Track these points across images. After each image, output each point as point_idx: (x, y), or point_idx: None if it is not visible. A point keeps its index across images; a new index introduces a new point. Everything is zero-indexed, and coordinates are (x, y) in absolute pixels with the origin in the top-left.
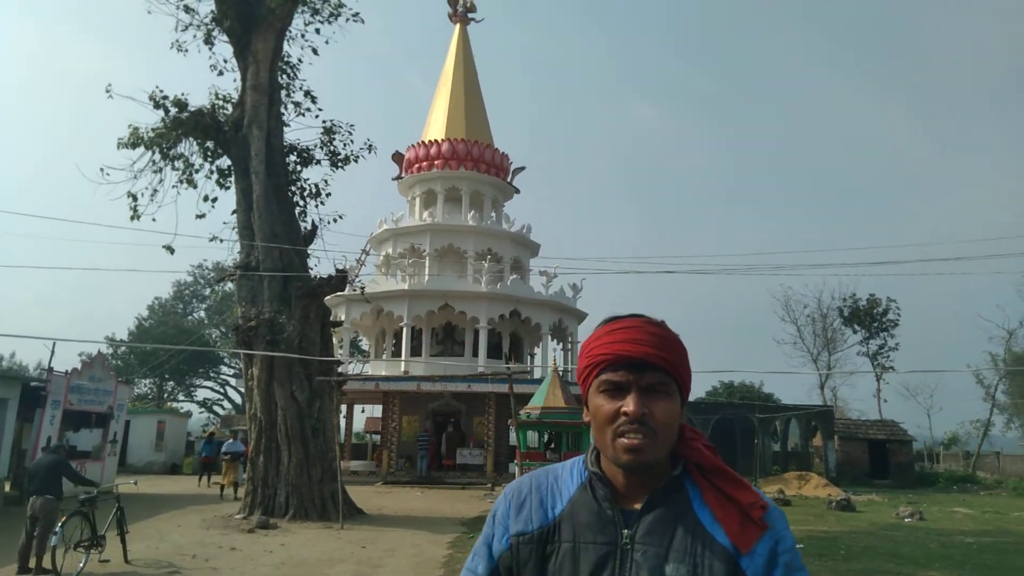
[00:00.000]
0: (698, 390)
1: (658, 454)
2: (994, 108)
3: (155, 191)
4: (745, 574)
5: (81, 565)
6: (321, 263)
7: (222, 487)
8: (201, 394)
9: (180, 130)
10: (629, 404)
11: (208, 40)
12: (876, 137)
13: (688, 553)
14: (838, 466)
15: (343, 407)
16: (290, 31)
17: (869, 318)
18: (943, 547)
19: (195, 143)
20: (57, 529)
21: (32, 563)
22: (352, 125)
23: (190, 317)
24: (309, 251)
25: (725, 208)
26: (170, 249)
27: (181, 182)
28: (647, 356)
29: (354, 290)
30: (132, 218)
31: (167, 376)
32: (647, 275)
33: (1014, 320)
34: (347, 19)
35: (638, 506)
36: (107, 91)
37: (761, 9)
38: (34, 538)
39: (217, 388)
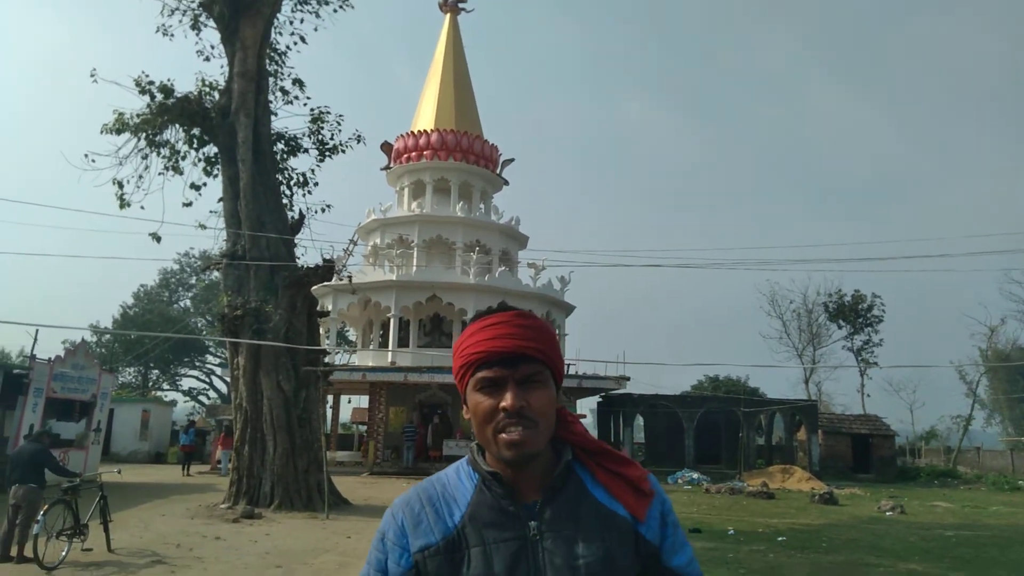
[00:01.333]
0: (684, 383)
1: (539, 444)
2: (976, 110)
3: (140, 178)
4: (644, 538)
5: (63, 554)
6: (308, 253)
7: None
8: (186, 383)
9: (166, 116)
10: (507, 399)
11: (195, 25)
12: (860, 136)
13: (596, 531)
14: (821, 460)
15: (329, 397)
16: (278, 18)
17: (854, 314)
18: (923, 540)
19: (181, 130)
20: (40, 517)
21: (14, 551)
22: (341, 115)
23: (175, 305)
24: (296, 240)
25: (713, 203)
26: (157, 237)
27: (167, 169)
28: (520, 349)
29: (341, 280)
30: (120, 207)
31: (152, 365)
32: (635, 268)
33: (996, 317)
34: (336, 8)
35: (534, 497)
36: (92, 76)
37: (748, 7)
38: (16, 526)
39: (202, 377)
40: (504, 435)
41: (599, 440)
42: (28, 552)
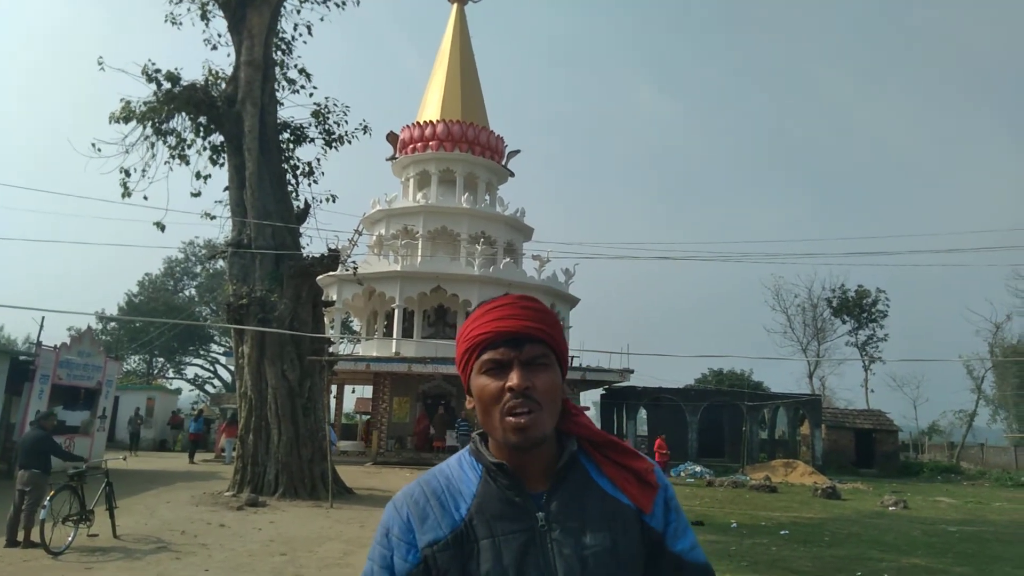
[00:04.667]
0: (687, 377)
1: (546, 428)
2: (984, 102)
3: (147, 166)
4: (649, 526)
5: (70, 539)
6: (313, 242)
7: None
8: (191, 372)
9: (172, 104)
10: (513, 378)
11: (204, 15)
12: (867, 129)
13: (602, 520)
14: (824, 454)
15: (333, 387)
16: (285, 6)
17: (858, 309)
18: (926, 535)
19: (188, 118)
20: (46, 503)
21: (21, 536)
22: (348, 106)
23: (180, 294)
24: (302, 230)
25: (719, 197)
26: (161, 226)
27: (173, 158)
28: (525, 329)
29: (346, 270)
30: (123, 195)
31: (157, 353)
32: (641, 261)
33: (1001, 314)
34: (339, 2)
35: (540, 487)
36: (99, 63)
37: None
38: (23, 511)
39: (207, 366)
40: (511, 418)
41: (604, 432)
42: (35, 537)
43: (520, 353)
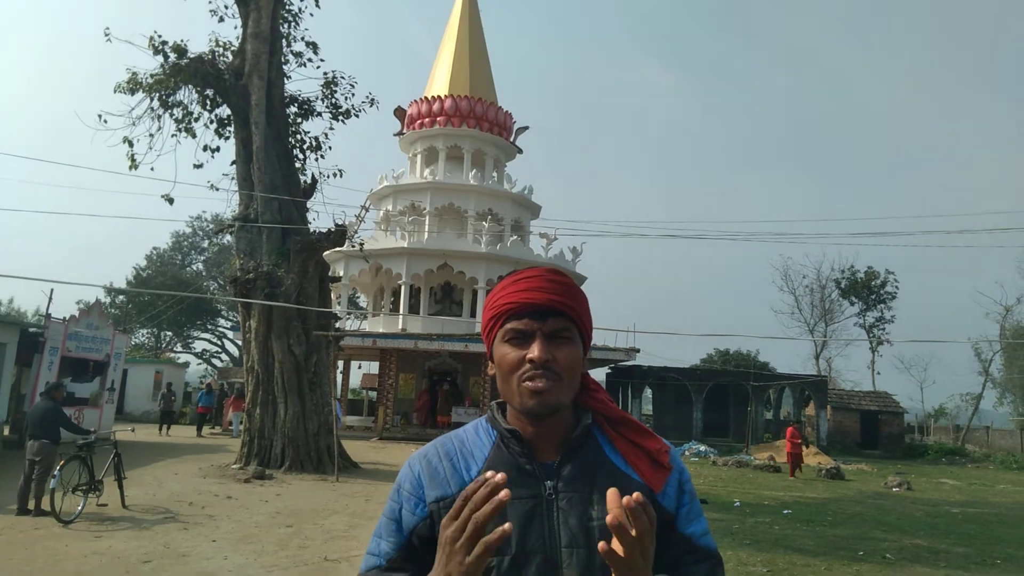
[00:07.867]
0: (693, 357)
1: (563, 398)
2: (1003, 80)
3: (152, 137)
4: (660, 505)
5: (79, 508)
6: (320, 217)
7: None
8: (199, 346)
9: (179, 77)
10: (534, 350)
11: None
12: (882, 106)
13: None
14: (829, 435)
15: (340, 362)
16: None
17: (867, 290)
18: (929, 516)
19: (194, 91)
20: (55, 472)
21: (31, 505)
22: (355, 79)
23: (188, 269)
24: (308, 205)
25: (728, 174)
26: (169, 199)
27: (180, 131)
28: (550, 302)
29: (353, 246)
30: (131, 167)
31: (164, 326)
32: (648, 239)
33: (1012, 296)
34: None
35: (552, 456)
36: (106, 34)
37: None
38: (33, 481)
39: (215, 340)
40: (529, 383)
41: (621, 410)
42: (45, 506)
43: (543, 325)
